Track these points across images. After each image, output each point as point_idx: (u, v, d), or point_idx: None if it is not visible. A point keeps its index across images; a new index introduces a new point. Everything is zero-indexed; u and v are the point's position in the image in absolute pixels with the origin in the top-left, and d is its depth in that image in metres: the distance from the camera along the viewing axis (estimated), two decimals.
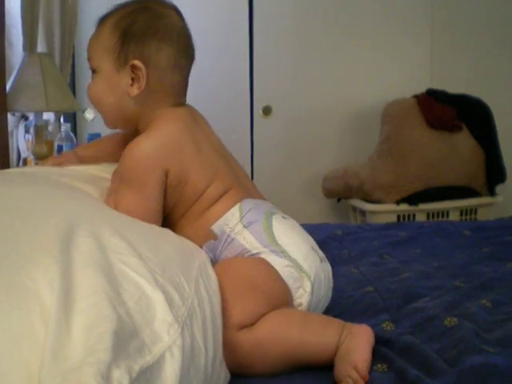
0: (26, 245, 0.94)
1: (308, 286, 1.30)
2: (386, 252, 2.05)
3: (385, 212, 3.49)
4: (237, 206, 1.35)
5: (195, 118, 1.43)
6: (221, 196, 1.36)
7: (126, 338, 0.84)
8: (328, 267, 1.40)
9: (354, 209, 3.75)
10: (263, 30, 3.91)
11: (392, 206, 3.50)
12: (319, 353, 1.21)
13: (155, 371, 0.86)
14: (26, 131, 3.16)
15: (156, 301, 0.95)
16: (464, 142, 3.61)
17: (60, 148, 3.01)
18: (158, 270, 1.02)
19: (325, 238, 2.17)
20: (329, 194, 3.79)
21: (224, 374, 1.12)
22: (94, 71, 1.39)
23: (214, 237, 1.34)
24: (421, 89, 3.79)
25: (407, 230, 2.34)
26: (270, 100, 3.97)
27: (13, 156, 3.13)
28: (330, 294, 1.41)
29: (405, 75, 4.01)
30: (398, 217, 3.50)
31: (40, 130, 3.02)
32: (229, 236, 1.32)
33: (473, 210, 3.60)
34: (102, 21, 1.38)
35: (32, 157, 3.02)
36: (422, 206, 3.50)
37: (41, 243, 0.94)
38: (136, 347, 0.84)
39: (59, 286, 0.85)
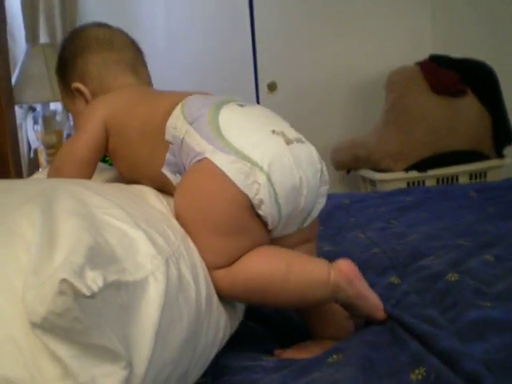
0: (9, 202, 1.00)
1: (261, 177, 1.10)
2: (393, 217, 2.08)
3: (394, 180, 3.50)
4: (179, 106, 1.24)
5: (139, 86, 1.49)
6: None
7: (103, 258, 0.86)
8: (304, 148, 1.19)
9: (364, 179, 3.77)
10: (263, 6, 3.92)
11: (401, 174, 3.52)
12: (311, 283, 1.13)
13: (138, 290, 0.88)
14: (35, 122, 3.20)
15: (138, 239, 0.96)
16: (469, 105, 3.61)
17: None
18: (141, 220, 1.03)
19: (332, 208, 2.21)
20: (338, 165, 3.80)
21: (225, 319, 1.13)
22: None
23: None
24: (424, 55, 3.79)
25: (414, 195, 2.36)
26: (275, 76, 3.98)
27: (23, 147, 3.17)
28: (313, 177, 1.18)
29: (407, 42, 4.01)
30: (408, 184, 3.51)
31: (48, 120, 3.07)
32: (179, 138, 1.20)
33: (482, 174, 3.61)
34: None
35: (42, 147, 3.07)
36: (431, 172, 3.51)
37: (24, 201, 0.98)
38: (115, 269, 0.86)
39: (41, 226, 0.89)
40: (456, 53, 3.72)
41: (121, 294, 0.86)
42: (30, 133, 3.25)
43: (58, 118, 3.21)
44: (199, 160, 1.15)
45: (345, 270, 1.13)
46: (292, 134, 1.19)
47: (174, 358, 0.93)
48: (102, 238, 0.91)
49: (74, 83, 1.46)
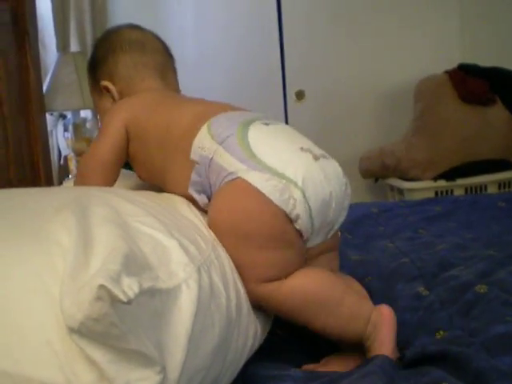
0: (44, 210, 1.03)
1: (297, 193, 1.14)
2: (421, 227, 2.07)
3: (422, 189, 3.49)
4: (205, 125, 1.24)
5: (165, 91, 1.51)
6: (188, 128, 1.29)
7: (138, 265, 0.87)
8: (330, 163, 1.23)
9: (392, 188, 3.76)
10: (292, 16, 3.92)
11: (429, 183, 3.50)
12: (358, 315, 1.18)
13: (171, 297, 0.90)
14: (65, 129, 3.24)
15: (171, 248, 0.98)
16: (498, 114, 3.59)
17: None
18: (173, 228, 1.05)
19: (360, 216, 2.20)
20: (366, 174, 3.80)
21: (254, 328, 1.14)
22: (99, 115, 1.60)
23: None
24: (452, 64, 3.77)
25: (442, 205, 2.35)
26: (302, 84, 3.98)
27: (54, 154, 3.21)
28: (339, 191, 1.22)
29: (436, 51, 3.99)
30: (436, 193, 3.49)
31: (78, 128, 3.10)
32: (207, 158, 1.20)
33: (511, 183, 3.59)
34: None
35: (72, 154, 3.10)
36: (460, 182, 3.49)
37: (59, 209, 1.01)
38: (149, 276, 0.88)
39: (76, 232, 0.91)
40: (485, 61, 3.70)
41: (155, 301, 0.87)
42: (61, 140, 3.28)
43: (88, 125, 3.24)
44: (232, 179, 1.16)
45: (385, 314, 1.18)
46: (317, 150, 1.23)
47: (206, 364, 0.95)
48: (135, 245, 0.92)
49: (103, 81, 1.50)
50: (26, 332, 0.83)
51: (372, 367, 1.05)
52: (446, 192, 3.50)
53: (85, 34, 3.30)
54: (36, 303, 0.85)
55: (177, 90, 1.56)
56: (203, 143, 1.22)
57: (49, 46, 3.12)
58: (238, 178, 1.15)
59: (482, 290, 1.35)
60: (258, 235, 1.15)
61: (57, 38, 3.03)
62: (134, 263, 0.86)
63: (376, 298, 1.36)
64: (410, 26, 3.98)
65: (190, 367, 0.90)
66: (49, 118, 3.07)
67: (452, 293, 1.39)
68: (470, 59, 3.79)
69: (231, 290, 1.08)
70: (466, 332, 1.22)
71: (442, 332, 1.25)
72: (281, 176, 1.14)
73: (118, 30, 1.56)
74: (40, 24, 2.85)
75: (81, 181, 1.39)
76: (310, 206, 1.15)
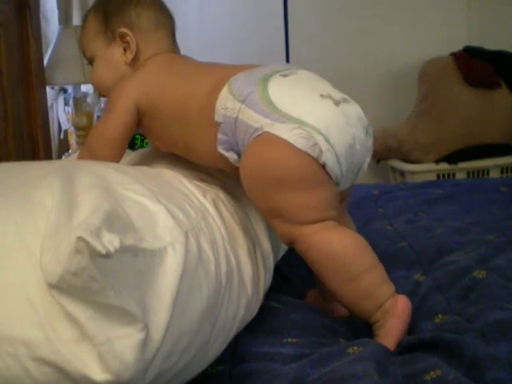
0: (30, 177, 1.03)
1: (321, 139, 1.16)
2: (421, 209, 2.06)
3: (424, 172, 3.48)
4: (225, 87, 1.26)
5: (174, 56, 1.49)
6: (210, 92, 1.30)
7: (121, 225, 0.86)
8: (350, 107, 1.25)
9: (394, 169, 3.74)
10: None
11: (431, 166, 3.49)
12: (373, 295, 1.19)
13: (156, 258, 0.89)
14: (66, 104, 3.22)
15: (158, 212, 0.98)
16: (503, 98, 3.57)
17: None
18: (162, 195, 1.04)
19: (361, 198, 2.19)
20: None
21: (247, 299, 1.14)
22: (91, 61, 1.50)
23: None
24: (458, 46, 3.75)
25: (443, 188, 2.34)
26: (307, 64, 3.94)
27: (54, 128, 3.19)
28: (363, 133, 1.25)
29: (442, 33, 3.96)
30: (438, 176, 3.48)
31: (79, 102, 3.08)
32: (232, 118, 1.23)
33: None
34: (85, 17, 1.52)
35: (72, 128, 3.08)
36: (462, 165, 3.48)
37: (45, 175, 1.01)
38: (133, 236, 0.87)
39: (60, 194, 0.91)
40: (491, 45, 3.67)
41: (138, 261, 0.86)
42: (61, 114, 3.26)
43: (89, 100, 3.22)
44: (258, 135, 1.19)
45: (400, 305, 1.18)
46: (337, 94, 1.24)
47: (193, 327, 0.94)
48: (121, 208, 0.91)
49: (121, 28, 1.43)
50: (5, 290, 0.83)
51: (365, 353, 1.04)
52: (448, 175, 3.49)
53: (87, 7, 3.24)
54: (16, 261, 0.84)
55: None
56: (226, 104, 1.24)
57: (51, 19, 3.09)
58: (265, 132, 1.18)
59: (480, 276, 1.34)
60: (289, 178, 1.18)
61: (59, 11, 3.00)
62: (116, 222, 0.85)
63: None
64: (417, 8, 3.95)
65: (176, 329, 0.89)
66: (49, 92, 3.05)
67: (449, 278, 1.38)
68: (476, 42, 3.77)
69: (221, 259, 1.07)
70: (464, 317, 1.21)
71: (440, 316, 1.24)
72: (304, 124, 1.16)
73: None
74: None
75: (88, 155, 1.38)
76: (336, 152, 1.18)
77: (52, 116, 3.15)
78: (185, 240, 0.97)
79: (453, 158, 3.47)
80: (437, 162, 3.48)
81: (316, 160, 1.16)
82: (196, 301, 0.95)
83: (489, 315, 1.18)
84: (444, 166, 3.48)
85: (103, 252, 0.76)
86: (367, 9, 3.93)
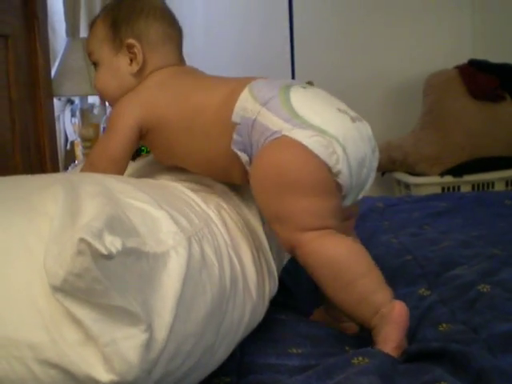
0: (35, 187, 1.04)
1: (339, 149, 1.20)
2: (426, 222, 2.07)
3: (429, 184, 3.48)
4: (246, 89, 1.28)
5: (179, 69, 1.48)
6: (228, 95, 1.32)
7: (124, 229, 0.87)
8: (364, 125, 1.28)
9: (399, 182, 3.75)
10: (303, 5, 3.90)
11: (436, 179, 3.49)
12: (368, 302, 1.20)
13: (159, 262, 0.90)
14: (72, 115, 3.23)
15: (161, 218, 0.99)
16: (508, 111, 3.58)
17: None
18: (164, 202, 1.06)
19: (366, 211, 2.20)
20: None
21: (252, 305, 1.15)
22: (95, 65, 1.49)
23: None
24: (463, 59, 3.76)
25: (448, 201, 2.35)
26: (312, 76, 3.96)
27: (60, 139, 3.20)
28: (371, 153, 1.28)
29: (447, 46, 3.97)
30: (443, 189, 3.48)
31: (86, 114, 3.09)
32: (250, 119, 1.24)
33: None
34: (94, 21, 1.51)
35: (79, 139, 3.09)
36: (467, 178, 3.48)
37: (49, 184, 1.02)
38: (136, 240, 0.88)
39: (64, 202, 0.92)
40: (496, 58, 3.68)
41: (141, 264, 0.87)
42: (68, 125, 3.27)
43: (96, 111, 3.23)
44: (276, 138, 1.21)
45: (397, 310, 1.18)
46: (352, 113, 1.28)
47: (198, 330, 0.95)
48: (123, 214, 0.93)
49: (129, 39, 1.43)
50: (11, 294, 0.84)
51: (370, 366, 1.05)
52: (453, 188, 3.49)
53: None
54: (21, 266, 0.86)
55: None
56: (245, 105, 1.26)
57: (58, 30, 3.11)
58: (283, 135, 1.20)
59: (484, 290, 1.35)
60: (303, 182, 1.20)
61: (66, 23, 3.02)
62: (119, 226, 0.86)
63: None
64: (422, 21, 3.96)
65: (180, 331, 0.90)
66: (56, 103, 3.06)
67: (454, 292, 1.39)
68: (480, 55, 3.77)
69: (225, 263, 1.08)
70: (469, 327, 1.22)
71: (444, 325, 1.25)
72: (324, 132, 1.19)
73: None
74: (50, 8, 2.84)
75: (89, 170, 1.38)
76: (350, 163, 1.21)
77: (59, 127, 3.16)
78: (188, 244, 0.98)
79: (458, 170, 3.48)
80: (442, 174, 3.48)
81: (331, 169, 1.19)
82: (200, 304, 0.96)
83: (495, 326, 1.18)
84: (449, 178, 3.48)
85: (105, 253, 0.77)
86: (372, 23, 3.95)
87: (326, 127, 1.20)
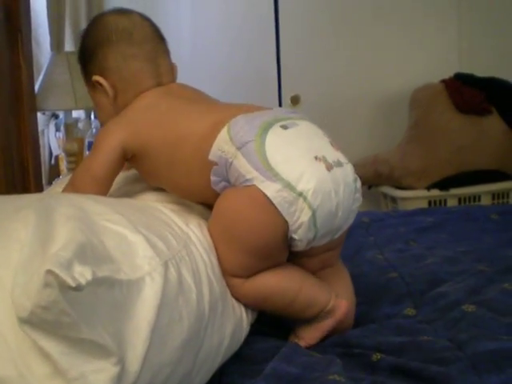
0: (6, 209, 1.02)
1: (304, 206, 1.19)
2: (412, 238, 2.05)
3: (416, 198, 3.47)
4: (225, 128, 1.27)
5: (165, 91, 1.48)
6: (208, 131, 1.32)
7: (96, 257, 0.86)
8: (343, 170, 1.27)
9: (385, 196, 3.74)
10: (289, 19, 3.90)
11: (423, 192, 3.48)
12: (314, 304, 1.31)
13: (133, 289, 0.89)
14: (57, 129, 3.22)
15: (137, 242, 0.98)
16: (494, 125, 3.58)
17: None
18: (141, 225, 1.04)
19: (351, 226, 2.17)
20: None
21: (232, 328, 1.15)
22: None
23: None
24: (449, 73, 3.75)
25: (435, 216, 2.33)
26: (298, 89, 3.96)
27: (44, 154, 3.18)
28: (349, 198, 1.27)
29: (432, 60, 3.97)
30: (430, 202, 3.47)
31: (70, 128, 3.08)
32: (227, 160, 1.25)
33: (505, 194, 3.57)
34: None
35: (63, 154, 3.08)
36: (454, 191, 3.47)
37: (21, 207, 1.00)
38: (108, 268, 0.86)
39: (34, 227, 0.90)
40: (481, 72, 3.69)
41: (114, 292, 0.85)
42: (52, 140, 3.26)
43: (80, 125, 3.22)
44: (247, 186, 1.22)
45: (343, 309, 1.33)
46: (332, 156, 1.27)
47: (173, 359, 0.93)
48: (97, 240, 0.91)
49: (94, 76, 1.47)
50: None
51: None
52: (440, 202, 3.48)
53: (80, 33, 3.27)
54: None
55: (170, 75, 1.52)
56: (223, 146, 1.26)
57: (43, 44, 3.10)
58: (253, 185, 1.21)
59: (469, 310, 1.33)
60: (250, 242, 1.23)
61: (51, 37, 3.01)
62: (90, 254, 0.84)
63: (362, 320, 1.40)
64: (408, 34, 3.96)
65: (155, 361, 0.88)
66: (41, 118, 3.05)
67: (439, 312, 1.38)
68: (466, 69, 3.78)
69: (204, 287, 1.08)
70: (455, 344, 1.20)
71: (426, 337, 1.25)
72: (292, 189, 1.19)
73: (104, 18, 1.52)
74: (34, 22, 2.83)
75: (72, 191, 1.38)
76: (315, 218, 1.21)
77: (43, 142, 3.15)
78: (164, 270, 0.97)
79: (444, 184, 3.47)
80: (428, 188, 3.47)
81: (289, 226, 1.21)
82: (176, 331, 0.95)
83: (479, 345, 1.17)
84: (435, 192, 3.47)
85: (73, 285, 0.75)
86: (358, 38, 3.94)
87: (295, 182, 1.20)
